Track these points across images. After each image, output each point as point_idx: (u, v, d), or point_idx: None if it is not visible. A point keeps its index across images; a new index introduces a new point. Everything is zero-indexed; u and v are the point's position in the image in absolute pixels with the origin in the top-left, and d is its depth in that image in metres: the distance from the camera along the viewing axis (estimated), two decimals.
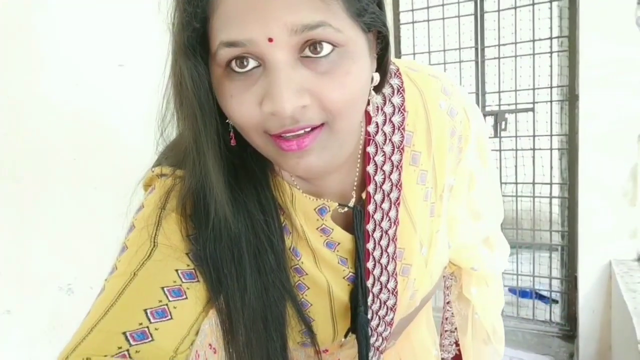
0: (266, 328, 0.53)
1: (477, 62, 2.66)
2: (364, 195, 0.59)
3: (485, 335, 0.89)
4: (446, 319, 0.94)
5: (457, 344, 0.94)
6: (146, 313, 0.44)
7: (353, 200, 0.60)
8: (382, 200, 0.59)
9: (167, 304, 0.46)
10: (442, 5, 2.73)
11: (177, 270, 0.49)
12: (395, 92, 0.59)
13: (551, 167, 2.51)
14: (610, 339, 2.20)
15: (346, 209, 0.59)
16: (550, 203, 2.51)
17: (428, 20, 2.79)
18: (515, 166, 2.56)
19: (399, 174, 0.59)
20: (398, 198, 0.59)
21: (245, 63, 0.43)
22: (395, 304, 0.65)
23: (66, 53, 1.18)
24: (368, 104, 0.54)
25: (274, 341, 0.54)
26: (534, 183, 2.52)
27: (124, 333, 0.42)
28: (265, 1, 0.40)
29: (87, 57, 1.24)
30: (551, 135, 2.52)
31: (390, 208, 0.59)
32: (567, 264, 2.48)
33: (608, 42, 2.12)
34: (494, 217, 0.80)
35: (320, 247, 0.59)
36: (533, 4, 2.46)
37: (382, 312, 0.65)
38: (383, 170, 0.58)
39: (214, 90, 0.46)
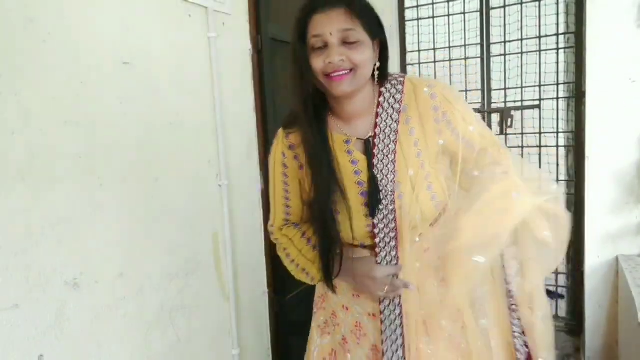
0: (320, 197, 1.03)
1: (482, 59, 2.65)
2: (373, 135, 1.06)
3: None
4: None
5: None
6: (283, 199, 1.15)
7: (368, 136, 1.05)
8: (384, 138, 1.04)
9: (287, 191, 1.14)
10: (447, 1, 2.72)
11: (282, 172, 1.12)
12: (399, 85, 1.06)
13: (557, 164, 2.50)
14: (617, 334, 2.20)
15: (363, 140, 1.05)
16: None
17: (433, 17, 2.78)
18: None
19: (397, 126, 1.03)
20: (396, 139, 1.03)
21: (320, 45, 0.96)
22: (393, 193, 1.03)
23: (72, 51, 1.19)
24: (381, 85, 1.06)
25: (327, 203, 1.03)
26: None
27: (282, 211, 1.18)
28: (329, 20, 0.95)
29: (92, 55, 1.24)
30: (557, 132, 2.51)
31: (389, 143, 1.03)
32: (573, 259, 2.47)
33: (615, 39, 2.11)
34: (502, 157, 1.08)
35: (345, 162, 1.05)
36: (539, 0, 2.45)
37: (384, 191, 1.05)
38: (386, 122, 1.04)
39: (308, 61, 0.98)
